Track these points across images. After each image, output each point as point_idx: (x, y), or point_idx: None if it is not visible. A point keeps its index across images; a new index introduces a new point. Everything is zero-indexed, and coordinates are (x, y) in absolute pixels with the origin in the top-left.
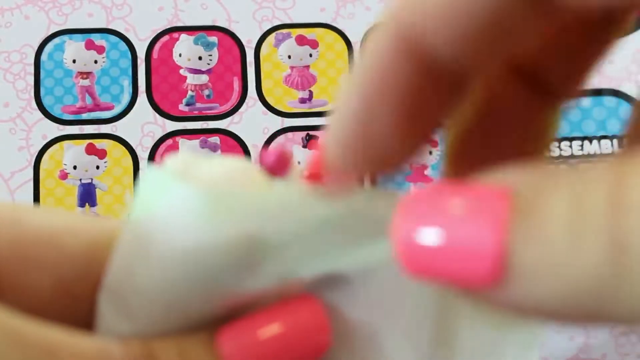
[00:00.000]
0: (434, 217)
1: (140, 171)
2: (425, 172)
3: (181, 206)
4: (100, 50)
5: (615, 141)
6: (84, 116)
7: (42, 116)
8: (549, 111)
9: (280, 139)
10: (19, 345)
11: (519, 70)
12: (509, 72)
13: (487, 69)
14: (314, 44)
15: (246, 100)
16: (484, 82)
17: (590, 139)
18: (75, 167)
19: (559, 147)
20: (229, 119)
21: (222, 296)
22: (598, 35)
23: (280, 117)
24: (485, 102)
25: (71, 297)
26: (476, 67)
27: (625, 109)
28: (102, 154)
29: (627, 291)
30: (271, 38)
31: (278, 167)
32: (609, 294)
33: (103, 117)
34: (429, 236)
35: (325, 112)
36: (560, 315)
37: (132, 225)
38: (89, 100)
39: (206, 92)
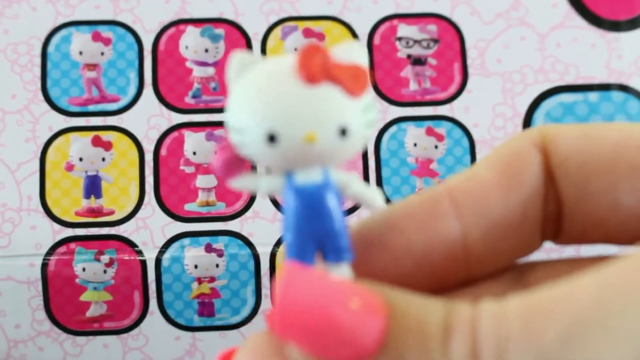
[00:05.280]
0: (324, 300)
1: (145, 163)
2: (431, 167)
3: None
4: (107, 42)
5: None
6: (90, 108)
7: (49, 108)
8: None
9: None
10: None
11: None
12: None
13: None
14: (320, 37)
15: None
16: None
17: None
18: (81, 159)
19: None
20: None
21: None
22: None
23: None
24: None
25: None
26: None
27: (633, 105)
28: (108, 146)
29: None
30: (278, 31)
31: (230, 172)
32: None
33: (109, 109)
34: (315, 313)
35: None
36: None
37: None
38: (95, 92)
39: (212, 84)
